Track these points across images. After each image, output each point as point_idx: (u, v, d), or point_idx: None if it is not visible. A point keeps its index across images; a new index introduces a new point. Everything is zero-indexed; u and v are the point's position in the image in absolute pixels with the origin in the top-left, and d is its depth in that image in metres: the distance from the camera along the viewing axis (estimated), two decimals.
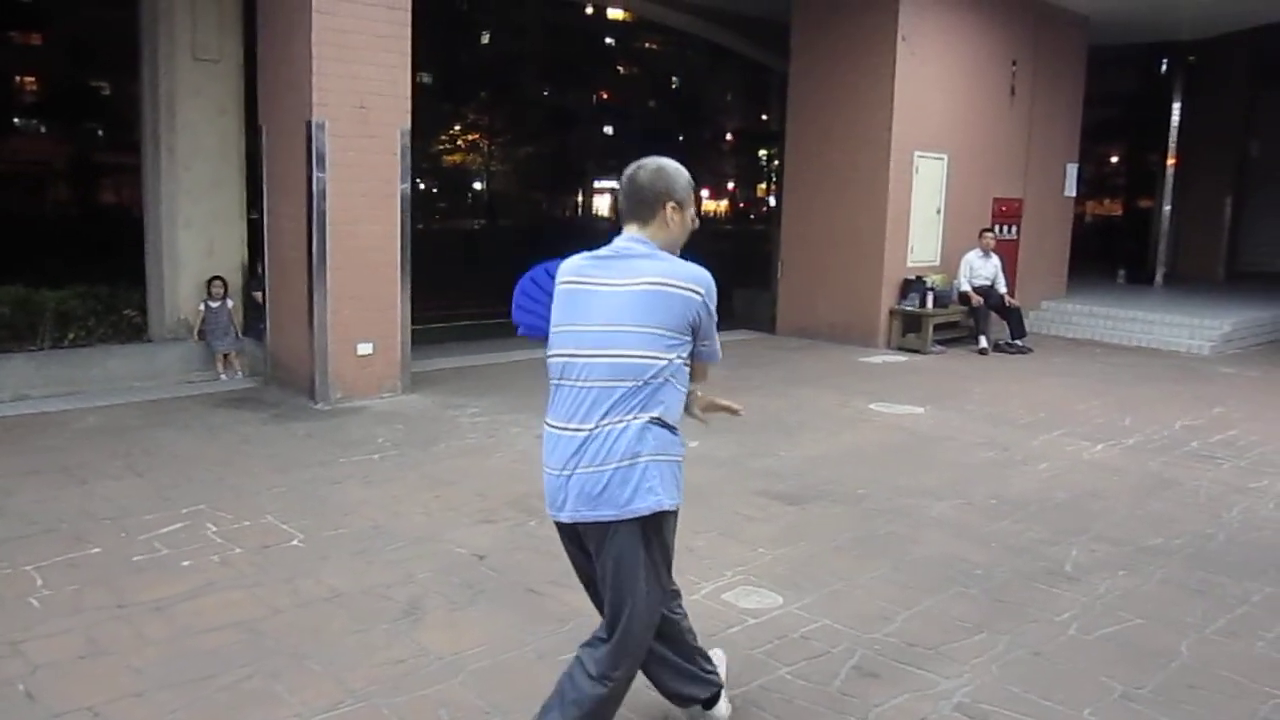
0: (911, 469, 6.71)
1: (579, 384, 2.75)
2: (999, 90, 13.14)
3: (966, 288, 12.19)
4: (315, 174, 7.77)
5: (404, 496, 5.73)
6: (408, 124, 8.24)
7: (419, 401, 8.20)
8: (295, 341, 8.27)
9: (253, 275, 9.62)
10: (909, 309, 11.94)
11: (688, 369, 2.86)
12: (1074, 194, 15.05)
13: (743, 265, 17.74)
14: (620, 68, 39.12)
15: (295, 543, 4.96)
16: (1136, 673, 3.88)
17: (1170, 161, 17.59)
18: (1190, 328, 12.73)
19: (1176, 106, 17.17)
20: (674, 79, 38.87)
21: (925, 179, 12.22)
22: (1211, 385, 10.20)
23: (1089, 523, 5.68)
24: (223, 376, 9.17)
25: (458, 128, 42.86)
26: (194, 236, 9.50)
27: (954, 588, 4.66)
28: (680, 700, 3.24)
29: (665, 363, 2.74)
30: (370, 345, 8.18)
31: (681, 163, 2.98)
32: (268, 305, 8.74)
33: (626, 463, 2.70)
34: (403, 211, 8.29)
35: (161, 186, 9.34)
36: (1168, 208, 17.76)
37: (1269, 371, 11.23)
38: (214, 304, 9.34)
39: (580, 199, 47.41)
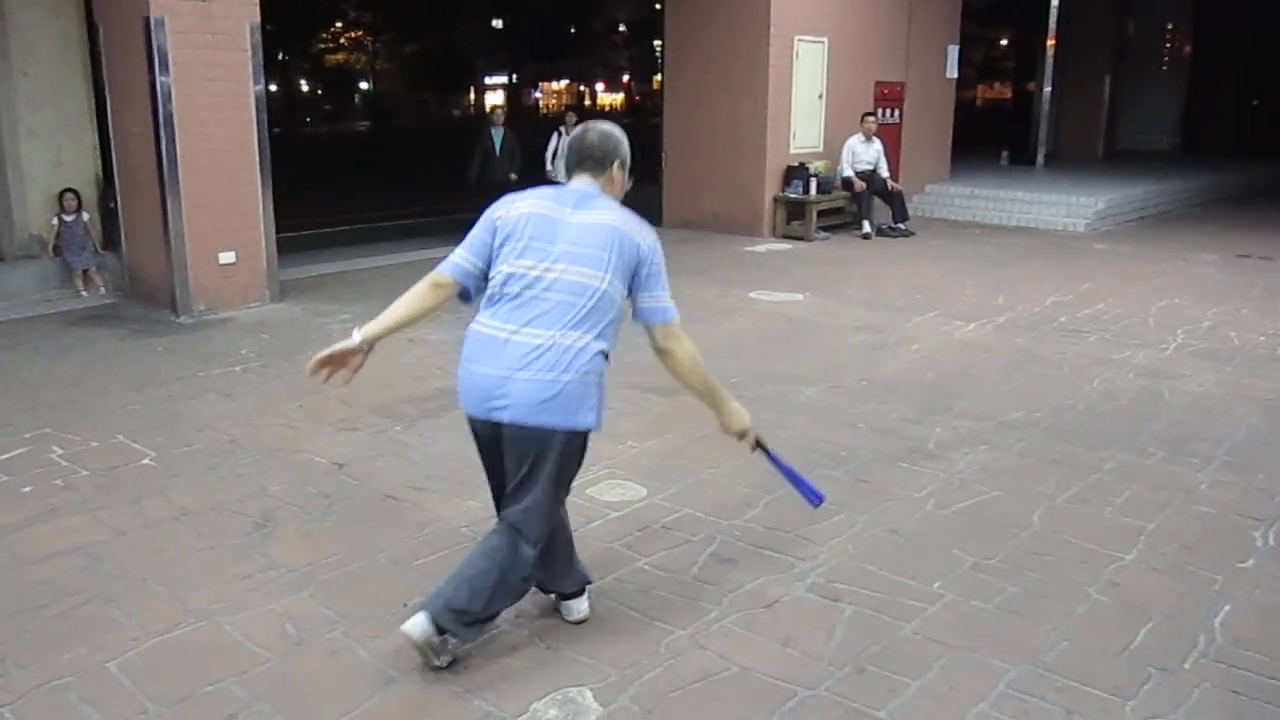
0: (786, 356, 6.74)
1: (538, 295, 2.95)
2: None
3: (849, 173, 12.16)
4: (158, 76, 7.30)
5: (264, 408, 5.54)
6: (257, 18, 7.77)
7: (287, 310, 7.92)
8: (152, 253, 7.87)
9: (109, 186, 9.10)
10: (793, 196, 11.91)
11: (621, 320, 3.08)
12: (955, 76, 15.03)
13: (636, 159, 17.44)
14: None
15: (146, 462, 4.77)
16: (988, 544, 3.97)
17: (1050, 43, 17.71)
18: (1067, 206, 12.98)
19: None
20: None
21: (806, 64, 12.08)
22: (1083, 262, 10.44)
23: (954, 400, 5.78)
24: (84, 294, 8.72)
25: (339, 25, 41.18)
26: (39, 147, 8.89)
27: (818, 470, 4.68)
28: (544, 591, 3.37)
29: (616, 293, 3.00)
30: (232, 254, 7.83)
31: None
32: (121, 217, 8.28)
33: (579, 378, 2.94)
34: (258, 112, 7.87)
35: None
36: (1048, 89, 17.95)
37: (1138, 247, 11.53)
38: (68, 218, 8.82)
39: (471, 98, 46.14)
